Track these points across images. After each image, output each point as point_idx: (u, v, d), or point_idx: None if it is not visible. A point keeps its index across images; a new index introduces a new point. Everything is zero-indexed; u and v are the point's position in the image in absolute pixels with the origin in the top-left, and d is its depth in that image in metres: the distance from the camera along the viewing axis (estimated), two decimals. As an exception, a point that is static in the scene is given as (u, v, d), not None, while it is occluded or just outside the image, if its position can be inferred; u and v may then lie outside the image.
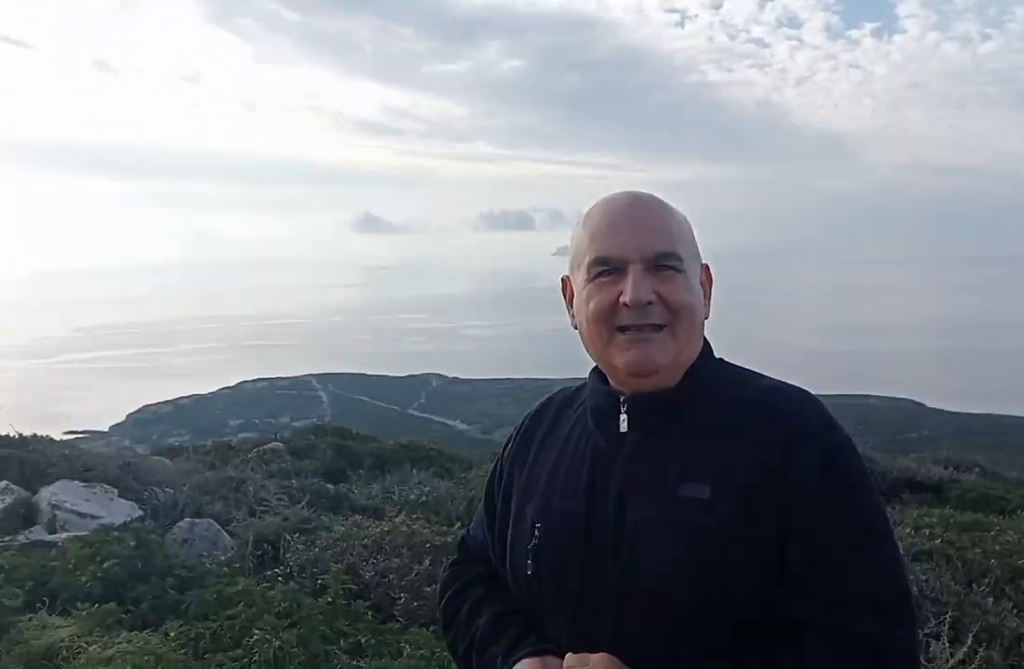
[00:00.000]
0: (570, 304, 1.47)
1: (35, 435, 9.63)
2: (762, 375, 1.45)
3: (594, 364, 1.50)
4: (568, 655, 1.32)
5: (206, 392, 78.96)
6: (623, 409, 1.40)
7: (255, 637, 3.76)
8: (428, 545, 5.50)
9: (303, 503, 7.22)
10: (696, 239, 1.46)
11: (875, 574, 1.27)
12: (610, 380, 1.46)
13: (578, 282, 1.42)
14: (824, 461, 1.30)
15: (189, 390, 78.73)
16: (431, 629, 4.54)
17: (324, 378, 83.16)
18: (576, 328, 1.45)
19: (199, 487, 7.96)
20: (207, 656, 3.82)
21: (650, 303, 1.34)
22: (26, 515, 6.79)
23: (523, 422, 1.60)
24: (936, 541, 5.98)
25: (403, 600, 4.88)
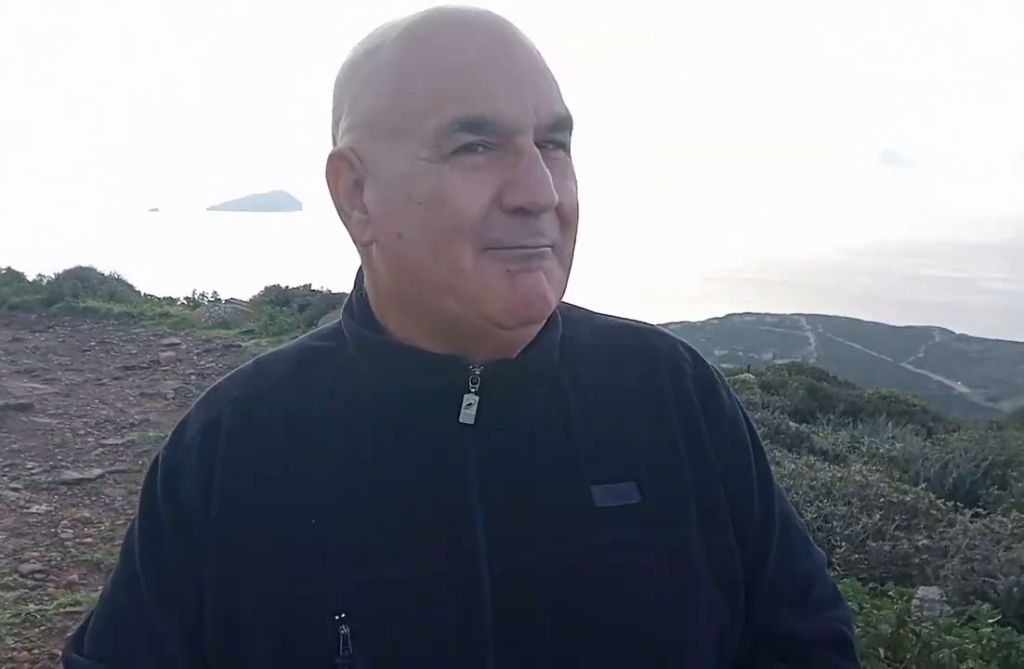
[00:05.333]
0: (348, 198, 0.83)
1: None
2: (573, 304, 1.01)
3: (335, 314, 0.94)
4: None
5: (695, 320, 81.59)
6: (473, 386, 0.85)
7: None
8: (882, 499, 5.11)
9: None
10: None
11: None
12: (409, 337, 0.86)
13: (397, 162, 0.79)
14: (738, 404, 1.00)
15: (679, 316, 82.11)
16: (868, 585, 4.24)
17: (815, 319, 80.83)
18: (366, 244, 0.84)
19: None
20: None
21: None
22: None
23: (200, 442, 0.88)
24: None
25: (843, 549, 4.62)
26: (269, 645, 0.81)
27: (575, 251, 0.85)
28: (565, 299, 0.90)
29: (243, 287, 14.76)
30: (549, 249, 0.80)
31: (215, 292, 12.56)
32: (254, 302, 12.61)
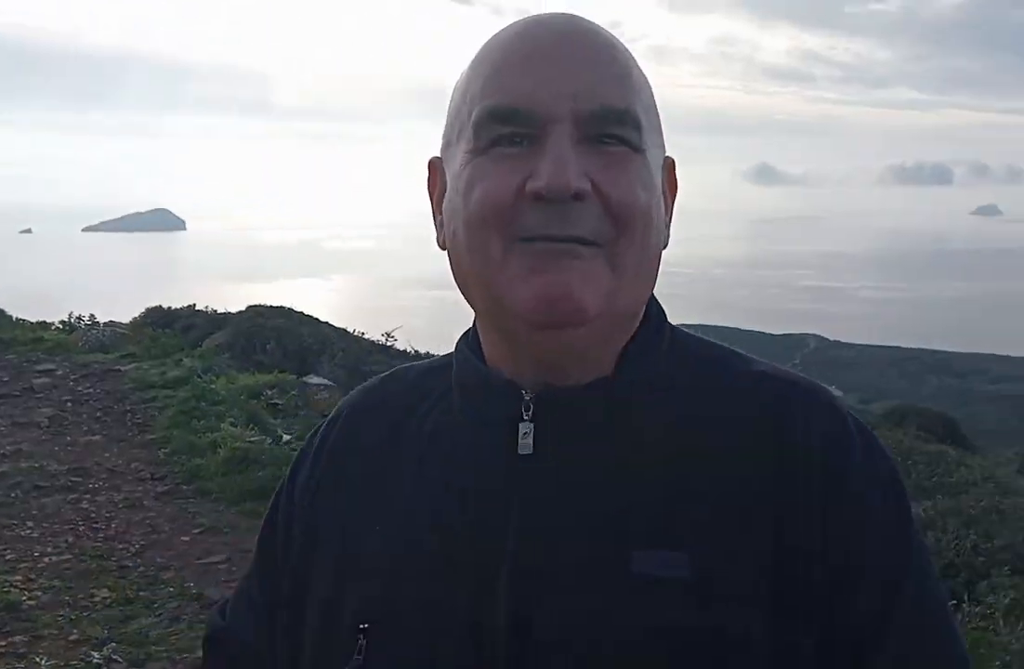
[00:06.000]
0: (438, 205, 0.84)
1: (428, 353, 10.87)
2: (731, 349, 0.90)
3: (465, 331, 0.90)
4: None
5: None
6: (526, 414, 0.80)
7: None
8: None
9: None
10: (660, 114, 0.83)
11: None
12: (490, 357, 0.84)
13: (454, 162, 0.79)
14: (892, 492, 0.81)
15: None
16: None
17: (697, 330, 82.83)
18: (445, 248, 0.82)
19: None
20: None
21: (579, 197, 0.73)
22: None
23: (321, 438, 0.93)
24: None
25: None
26: (311, 641, 0.85)
27: (648, 262, 0.79)
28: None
29: (123, 309, 14.32)
30: (586, 247, 0.74)
31: (92, 315, 12.13)
32: (135, 324, 12.24)
